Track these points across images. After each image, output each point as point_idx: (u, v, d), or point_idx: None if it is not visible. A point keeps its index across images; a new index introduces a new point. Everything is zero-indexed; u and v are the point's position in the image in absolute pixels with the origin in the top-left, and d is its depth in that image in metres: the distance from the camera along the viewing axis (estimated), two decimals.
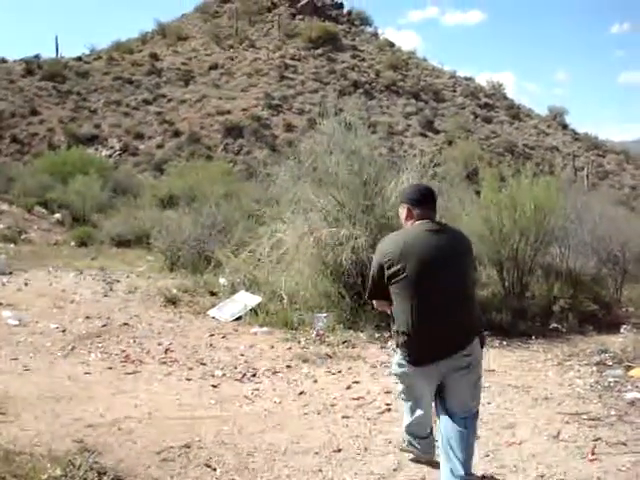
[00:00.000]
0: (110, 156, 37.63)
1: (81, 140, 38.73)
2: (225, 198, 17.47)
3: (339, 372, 6.72)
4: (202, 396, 5.83)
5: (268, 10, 61.49)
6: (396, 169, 9.38)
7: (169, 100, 46.69)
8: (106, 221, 19.11)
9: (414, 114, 48.64)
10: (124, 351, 7.32)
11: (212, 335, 8.21)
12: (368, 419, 5.36)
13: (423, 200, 4.00)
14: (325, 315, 8.43)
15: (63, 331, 8.10)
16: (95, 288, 10.79)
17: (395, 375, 4.26)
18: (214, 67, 51.70)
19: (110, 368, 6.67)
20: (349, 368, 6.88)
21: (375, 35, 63.62)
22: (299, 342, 7.88)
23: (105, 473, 3.97)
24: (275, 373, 6.68)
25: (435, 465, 4.39)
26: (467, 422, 3.91)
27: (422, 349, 3.84)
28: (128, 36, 60.00)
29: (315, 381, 6.41)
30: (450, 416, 3.92)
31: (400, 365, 4.04)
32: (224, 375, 6.56)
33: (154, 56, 53.12)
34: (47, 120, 42.40)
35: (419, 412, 4.33)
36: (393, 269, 3.84)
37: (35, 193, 22.40)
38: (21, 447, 4.30)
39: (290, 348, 7.66)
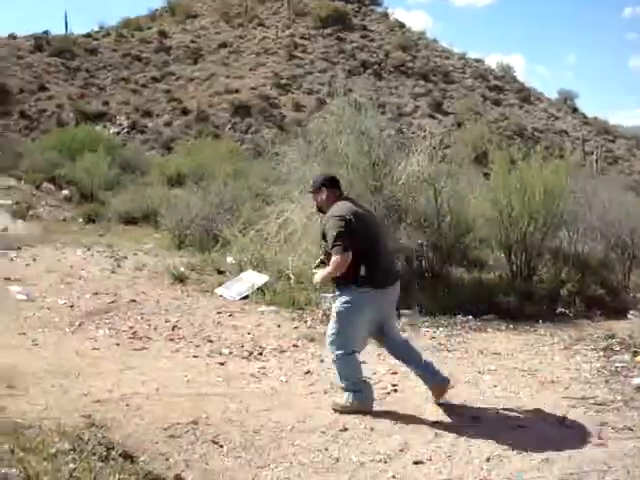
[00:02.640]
0: (118, 133, 37.58)
1: (89, 117, 38.65)
2: (233, 177, 17.44)
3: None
4: (209, 373, 5.86)
5: None
6: (405, 150, 9.35)
7: (178, 78, 46.52)
8: (114, 198, 19.11)
9: (423, 95, 48.34)
10: (132, 327, 7.37)
11: (219, 313, 8.24)
12: (374, 399, 5.37)
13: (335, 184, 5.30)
14: (332, 295, 8.43)
15: (71, 307, 8.15)
16: (103, 265, 10.83)
17: (344, 311, 5.00)
18: (223, 45, 51.43)
19: (118, 344, 6.71)
20: None
21: (385, 15, 63.02)
22: (306, 322, 7.90)
23: (113, 448, 3.98)
24: (282, 352, 6.71)
25: (440, 445, 4.42)
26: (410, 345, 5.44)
27: (384, 276, 5.04)
28: (137, 13, 59.89)
29: (321, 361, 6.41)
30: (400, 342, 5.37)
31: (358, 297, 4.96)
32: (231, 353, 6.59)
33: (163, 34, 52.88)
34: (56, 96, 42.30)
35: (357, 355, 5.16)
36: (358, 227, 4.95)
37: (44, 169, 22.40)
38: (30, 421, 4.32)
39: (297, 327, 7.68)
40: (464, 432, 4.70)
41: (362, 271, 4.94)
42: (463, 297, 8.68)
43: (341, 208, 5.05)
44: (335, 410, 5.09)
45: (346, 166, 8.67)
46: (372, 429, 4.74)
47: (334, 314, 5.12)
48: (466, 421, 4.94)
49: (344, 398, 5.13)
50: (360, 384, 5.15)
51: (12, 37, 50.57)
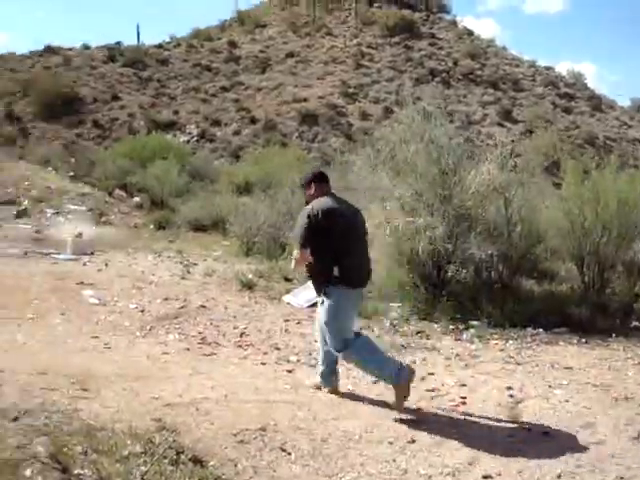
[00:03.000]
0: (188, 142, 38.25)
1: (160, 126, 39.48)
2: (300, 186, 17.51)
3: (413, 363, 6.65)
4: (277, 381, 5.88)
5: None
6: (475, 159, 9.24)
7: (246, 87, 47.10)
8: (183, 206, 19.43)
9: (492, 103, 47.72)
10: (201, 333, 7.46)
11: (287, 320, 8.28)
12: (443, 411, 5.31)
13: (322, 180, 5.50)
14: (399, 305, 8.39)
15: (142, 311, 8.30)
16: (173, 271, 11.01)
17: (330, 309, 5.21)
18: (291, 55, 51.86)
19: (187, 349, 6.80)
20: (423, 359, 6.83)
21: (454, 23, 62.58)
22: (373, 331, 7.86)
23: (183, 452, 4.03)
24: None
25: (510, 461, 4.34)
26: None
27: (359, 276, 5.31)
28: (207, 24, 60.88)
29: None
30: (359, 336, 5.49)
31: (337, 295, 5.18)
32: (298, 361, 6.61)
33: (232, 44, 53.67)
34: (128, 106, 43.36)
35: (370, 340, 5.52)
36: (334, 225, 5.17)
37: (116, 177, 22.98)
38: (102, 423, 4.40)
39: None
40: (535, 447, 4.59)
41: (335, 271, 5.13)
42: (533, 309, 8.52)
43: (317, 204, 5.24)
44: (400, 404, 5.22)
45: (415, 175, 8.62)
46: (440, 442, 4.68)
47: (321, 321, 5.37)
48: (537, 436, 4.84)
49: (386, 381, 5.36)
50: (392, 361, 5.39)
51: (86, 48, 52.14)
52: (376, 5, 59.92)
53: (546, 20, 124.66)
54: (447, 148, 8.91)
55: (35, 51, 51.21)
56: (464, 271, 8.98)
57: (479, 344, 7.50)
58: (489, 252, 8.76)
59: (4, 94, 44.12)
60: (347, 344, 5.25)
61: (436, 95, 40.92)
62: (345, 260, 5.15)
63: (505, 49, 60.21)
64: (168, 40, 56.07)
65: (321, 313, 5.36)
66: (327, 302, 5.25)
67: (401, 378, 5.21)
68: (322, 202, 5.27)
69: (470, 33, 61.04)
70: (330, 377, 5.60)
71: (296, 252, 5.34)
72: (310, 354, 6.84)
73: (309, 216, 5.16)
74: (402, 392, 5.24)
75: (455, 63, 52.93)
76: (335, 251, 5.16)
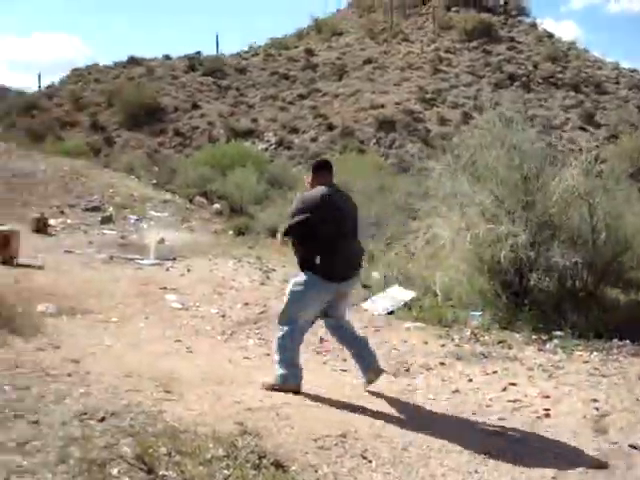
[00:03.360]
0: (266, 149, 38.73)
1: (239, 133, 40.12)
2: (377, 192, 17.50)
3: (494, 372, 6.56)
4: (357, 388, 5.87)
5: (423, 3, 60.86)
6: (558, 164, 9.04)
7: (323, 94, 47.36)
8: (262, 212, 19.65)
9: (574, 107, 46.59)
10: None
11: (365, 327, 8.23)
12: (525, 423, 5.19)
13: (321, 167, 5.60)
14: (480, 313, 8.27)
15: (223, 316, 8.42)
16: (252, 276, 11.12)
17: (294, 292, 5.37)
18: (368, 61, 51.87)
19: (267, 354, 6.84)
20: (505, 369, 6.70)
21: (533, 26, 61.34)
22: (453, 339, 7.77)
23: (265, 456, 4.05)
24: (429, 369, 6.63)
25: (596, 476, 4.21)
26: (355, 332, 5.83)
27: (340, 270, 5.33)
28: (284, 32, 61.56)
29: (470, 380, 6.29)
30: (344, 329, 5.73)
31: (306, 282, 5.30)
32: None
33: (309, 51, 54.08)
34: (207, 114, 44.21)
35: (300, 334, 5.50)
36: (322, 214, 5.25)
37: (196, 184, 23.42)
38: (186, 426, 4.47)
39: (444, 345, 7.57)
40: (622, 461, 4.44)
41: (317, 260, 5.24)
42: (619, 319, 8.26)
43: (309, 193, 5.44)
44: (265, 388, 5.40)
45: (496, 181, 8.49)
46: (523, 454, 4.58)
47: (287, 293, 5.49)
48: (624, 450, 4.67)
49: (273, 376, 5.46)
50: (290, 366, 5.44)
51: (167, 58, 53.47)
52: (454, 9, 59.32)
53: (630, 20, 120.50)
54: (529, 153, 8.74)
55: (119, 62, 52.88)
56: (547, 279, 8.77)
57: (563, 355, 7.31)
58: (573, 260, 8.54)
59: (89, 104, 45.71)
60: (289, 324, 5.44)
61: (516, 99, 40.19)
62: (328, 254, 5.26)
63: (587, 51, 58.63)
64: (246, 49, 56.99)
65: (289, 285, 5.53)
66: (299, 281, 5.43)
67: (284, 385, 5.41)
68: (315, 191, 5.40)
69: (550, 35, 59.75)
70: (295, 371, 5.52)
71: (279, 236, 5.61)
72: (389, 362, 6.81)
73: (302, 202, 5.37)
74: (270, 387, 5.44)
75: (535, 66, 51.90)
76: (321, 241, 5.26)
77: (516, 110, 9.46)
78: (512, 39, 56.11)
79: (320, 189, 5.39)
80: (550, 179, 8.61)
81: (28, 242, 12.28)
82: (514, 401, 5.70)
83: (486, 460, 4.46)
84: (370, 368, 5.65)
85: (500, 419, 5.24)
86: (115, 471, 3.67)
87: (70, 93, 47.55)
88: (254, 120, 43.37)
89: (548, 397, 5.81)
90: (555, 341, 7.68)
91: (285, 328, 5.48)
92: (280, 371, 5.45)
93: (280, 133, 41.56)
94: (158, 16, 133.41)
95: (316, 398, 5.42)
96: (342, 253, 5.30)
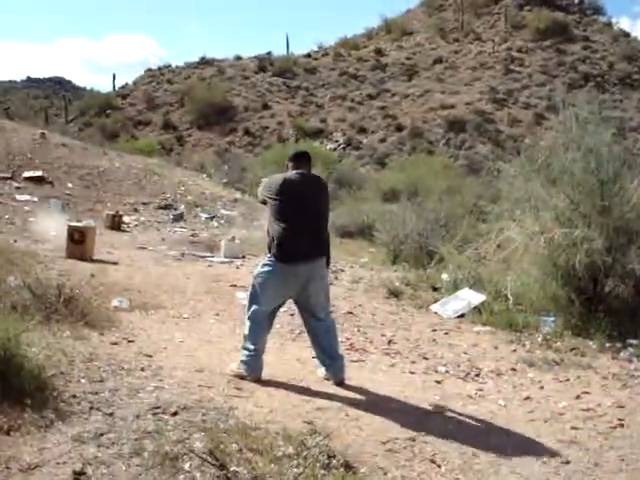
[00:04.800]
0: (335, 149, 38.86)
1: (308, 133, 40.40)
2: (447, 193, 17.35)
3: (567, 380, 6.41)
4: (426, 391, 5.82)
5: (495, 1, 59.96)
6: (636, 168, 8.78)
7: (393, 95, 47.23)
8: (330, 212, 19.65)
9: None
10: (349, 339, 7.51)
11: (434, 330, 8.19)
12: (599, 433, 5.05)
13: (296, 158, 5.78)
14: (553, 319, 8.10)
15: (291, 315, 8.45)
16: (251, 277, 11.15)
17: (256, 275, 5.62)
18: (438, 61, 51.50)
19: None
20: (578, 377, 6.54)
21: (609, 25, 59.73)
22: (524, 345, 7.63)
23: (334, 457, 4.06)
24: (499, 375, 6.52)
25: None
26: (330, 331, 5.77)
27: (290, 252, 5.39)
28: (354, 32, 61.61)
29: (541, 387, 6.17)
30: (317, 319, 5.70)
31: (267, 265, 5.51)
32: (447, 372, 6.51)
33: (379, 51, 54.01)
34: (277, 114, 44.68)
35: (263, 323, 5.59)
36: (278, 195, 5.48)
37: None
38: (256, 423, 4.51)
39: (515, 350, 7.44)
40: None
41: (274, 241, 5.45)
42: None
43: (274, 176, 5.81)
44: (231, 375, 5.50)
45: (572, 185, 8.29)
46: (596, 464, 4.47)
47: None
48: None
49: (237, 363, 5.60)
50: (251, 354, 5.52)
51: (238, 59, 54.24)
52: (527, 8, 58.23)
53: None
54: (606, 156, 8.51)
55: (191, 63, 53.92)
56: (622, 286, 8.53)
57: (638, 364, 7.09)
58: None
59: (162, 104, 46.71)
60: (252, 311, 5.58)
61: (590, 100, 39.22)
62: (282, 233, 5.41)
63: None
64: (316, 49, 57.29)
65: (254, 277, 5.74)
66: (260, 264, 5.69)
67: (243, 370, 5.53)
68: (280, 175, 5.71)
69: (626, 35, 58.12)
70: (256, 363, 5.57)
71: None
72: (459, 366, 6.74)
73: (267, 183, 5.68)
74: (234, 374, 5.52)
75: (610, 67, 50.60)
76: (277, 222, 5.45)
77: (591, 111, 9.20)
78: (587, 38, 54.78)
79: (287, 173, 5.68)
80: (627, 183, 8.36)
81: (103, 238, 12.62)
82: (587, 410, 5.55)
83: (558, 469, 4.36)
84: (335, 367, 5.73)
85: (573, 428, 5.11)
86: (187, 465, 3.73)
87: (143, 93, 48.68)
88: (323, 120, 43.58)
89: (622, 407, 5.65)
90: (630, 349, 7.46)
91: (249, 312, 5.66)
92: (240, 361, 5.63)
93: (349, 133, 41.62)
94: (229, 17, 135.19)
95: (385, 400, 5.41)
96: (296, 235, 5.40)
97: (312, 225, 5.57)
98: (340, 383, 5.64)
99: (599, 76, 49.34)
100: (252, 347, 5.56)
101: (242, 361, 5.57)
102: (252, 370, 5.55)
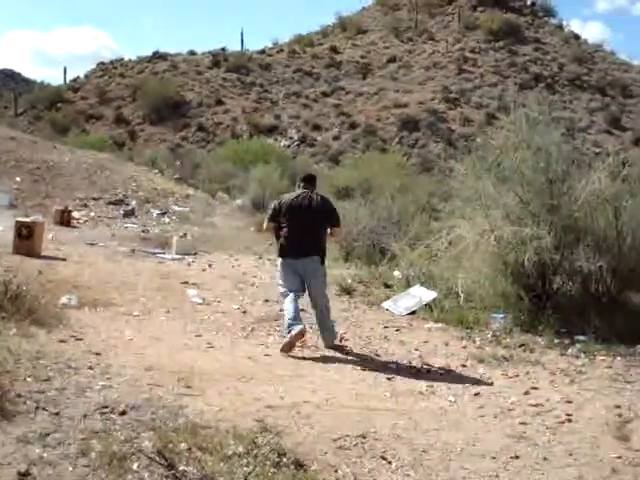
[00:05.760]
0: (289, 146, 38.81)
1: (262, 130, 40.25)
2: (400, 191, 17.44)
3: (516, 376, 6.50)
4: (377, 388, 5.85)
5: (448, 2, 60.61)
6: (584, 168, 8.93)
7: (347, 93, 47.36)
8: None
9: (599, 110, 46.26)
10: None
11: (386, 327, 8.23)
12: (547, 428, 5.12)
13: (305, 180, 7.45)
14: (502, 316, 8.20)
15: (244, 312, 8.44)
16: (273, 273, 11.09)
17: (276, 269, 7.52)
18: (392, 60, 51.81)
19: None
20: (527, 373, 6.63)
21: (560, 27, 60.92)
22: (474, 341, 7.71)
23: (285, 455, 4.04)
24: (450, 371, 6.59)
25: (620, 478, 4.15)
26: (322, 311, 7.22)
27: (288, 251, 7.14)
28: (309, 29, 61.55)
29: (491, 383, 6.24)
30: (314, 305, 7.27)
31: (278, 262, 7.37)
32: (398, 369, 6.55)
33: (334, 49, 54.08)
34: (231, 110, 44.40)
35: (290, 299, 7.01)
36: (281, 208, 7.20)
37: (218, 179, 23.49)
38: (206, 421, 4.49)
39: (465, 347, 7.52)
40: None
41: (279, 243, 7.26)
42: None
43: (283, 195, 7.56)
44: (288, 340, 6.77)
45: (521, 183, 8.40)
46: (545, 459, 4.52)
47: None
48: None
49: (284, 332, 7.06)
50: (291, 321, 6.83)
51: (192, 53, 53.73)
52: (480, 9, 58.97)
53: None
54: (555, 156, 8.63)
55: (143, 57, 53.20)
56: (571, 283, 8.68)
57: (585, 360, 7.22)
58: (597, 264, 8.43)
59: (115, 98, 46.03)
60: (284, 293, 7.19)
61: (541, 101, 39.87)
62: (282, 238, 7.16)
63: (613, 53, 58.23)
64: (271, 46, 57.07)
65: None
66: (276, 263, 7.50)
67: (288, 334, 6.78)
68: (288, 195, 7.44)
69: (577, 37, 59.37)
70: (298, 324, 6.85)
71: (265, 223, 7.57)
72: (410, 362, 6.79)
73: (276, 201, 7.44)
74: (287, 344, 6.74)
75: (561, 68, 51.61)
76: (281, 230, 7.16)
77: (541, 112, 9.32)
78: (538, 40, 55.81)
79: (292, 194, 7.39)
80: (576, 182, 8.49)
81: (52, 234, 12.39)
82: (536, 405, 5.63)
83: (507, 464, 4.41)
84: (324, 337, 7.19)
85: (522, 423, 5.18)
86: (135, 465, 3.68)
87: (95, 87, 47.92)
88: (277, 117, 43.48)
89: (570, 402, 5.74)
90: (578, 346, 7.59)
91: (279, 293, 7.43)
92: (285, 329, 6.99)
93: (303, 130, 41.60)
94: (183, 11, 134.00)
95: (337, 397, 5.41)
96: (292, 238, 7.06)
97: (305, 231, 7.07)
98: (330, 347, 7.12)
99: (550, 77, 50.26)
100: (291, 315, 6.88)
101: (289, 329, 6.82)
102: (297, 331, 6.77)
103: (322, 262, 7.27)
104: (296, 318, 6.84)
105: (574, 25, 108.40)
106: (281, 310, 7.37)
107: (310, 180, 7.48)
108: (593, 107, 46.73)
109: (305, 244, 7.08)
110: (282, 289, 7.22)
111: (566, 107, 45.90)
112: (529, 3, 62.50)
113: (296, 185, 7.57)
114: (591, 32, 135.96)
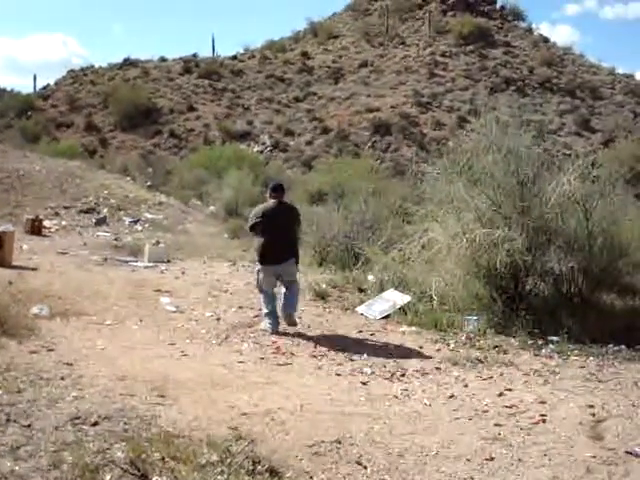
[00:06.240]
0: (261, 152, 38.75)
1: (234, 136, 40.16)
2: (373, 195, 17.45)
3: (490, 378, 6.53)
4: (352, 392, 5.84)
5: (419, 7, 61.05)
6: (555, 169, 9.02)
7: (319, 98, 47.44)
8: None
9: (569, 112, 46.79)
10: (275, 342, 7.48)
11: (360, 332, 8.23)
12: (521, 429, 5.14)
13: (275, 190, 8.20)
14: (476, 318, 8.24)
15: (217, 319, 8.38)
16: (247, 279, 11.04)
17: (256, 272, 8.32)
18: (364, 65, 52.02)
19: (262, 358, 6.83)
20: (501, 374, 6.67)
21: (529, 30, 61.61)
22: (448, 344, 7.74)
23: (259, 462, 4.02)
24: (424, 374, 6.59)
25: (593, 477, 4.18)
26: (294, 292, 8.19)
27: (268, 257, 8.00)
28: (281, 35, 61.62)
29: (465, 385, 6.26)
30: (287, 289, 8.15)
31: (257, 267, 8.25)
32: (373, 373, 6.55)
33: (305, 54, 54.20)
34: (203, 116, 44.26)
35: (267, 297, 8.09)
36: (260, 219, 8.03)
37: (191, 186, 23.40)
38: (180, 430, 4.45)
39: (439, 350, 7.54)
40: (617, 468, 4.41)
41: (259, 251, 8.07)
42: (615, 325, 8.24)
43: (260, 206, 8.41)
44: (261, 330, 7.88)
45: (492, 186, 8.46)
46: (520, 460, 4.55)
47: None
48: (620, 456, 4.64)
49: (263, 323, 8.02)
50: (268, 315, 7.97)
51: (163, 60, 53.52)
52: (450, 14, 59.44)
53: (625, 25, 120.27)
54: (525, 158, 8.71)
55: (114, 64, 52.88)
56: (543, 284, 8.75)
57: (559, 360, 7.29)
58: (569, 265, 8.52)
59: (85, 106, 45.67)
60: (262, 290, 8.17)
61: (511, 104, 40.24)
62: (262, 246, 7.96)
63: (583, 56, 59.01)
64: (242, 51, 57.04)
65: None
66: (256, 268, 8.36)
67: (271, 330, 7.84)
68: (263, 205, 8.26)
69: (546, 40, 60.07)
70: (275, 321, 7.98)
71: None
72: (384, 366, 6.79)
73: (254, 212, 8.24)
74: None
75: (531, 71, 52.18)
76: (261, 238, 7.96)
77: (512, 114, 9.42)
78: (508, 43, 56.38)
79: (266, 204, 8.20)
80: (546, 184, 8.58)
81: (22, 243, 12.24)
82: (510, 407, 5.66)
83: (482, 466, 4.42)
84: (285, 313, 8.04)
85: (496, 425, 5.20)
86: (108, 477, 3.65)
87: (65, 94, 47.53)
88: (250, 122, 43.42)
89: (544, 403, 5.77)
90: (551, 346, 7.66)
91: (261, 295, 8.23)
92: (264, 321, 8.00)
93: (276, 136, 41.58)
94: (154, 18, 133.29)
95: (312, 403, 5.40)
96: (272, 246, 7.89)
97: (281, 238, 7.92)
98: (291, 324, 8.02)
99: (520, 80, 50.75)
100: (268, 311, 7.96)
101: (267, 322, 7.92)
102: (273, 327, 7.87)
103: (297, 262, 8.29)
104: (276, 315, 8.03)
105: (543, 28, 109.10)
106: (260, 309, 8.31)
107: (279, 189, 8.20)
108: (563, 109, 47.27)
109: (284, 250, 8.00)
110: (261, 287, 8.20)
111: (536, 110, 46.34)
112: (498, 7, 63.12)
113: (267, 194, 8.28)
114: (560, 35, 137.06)
